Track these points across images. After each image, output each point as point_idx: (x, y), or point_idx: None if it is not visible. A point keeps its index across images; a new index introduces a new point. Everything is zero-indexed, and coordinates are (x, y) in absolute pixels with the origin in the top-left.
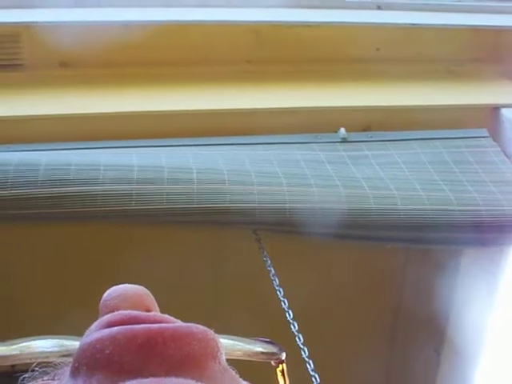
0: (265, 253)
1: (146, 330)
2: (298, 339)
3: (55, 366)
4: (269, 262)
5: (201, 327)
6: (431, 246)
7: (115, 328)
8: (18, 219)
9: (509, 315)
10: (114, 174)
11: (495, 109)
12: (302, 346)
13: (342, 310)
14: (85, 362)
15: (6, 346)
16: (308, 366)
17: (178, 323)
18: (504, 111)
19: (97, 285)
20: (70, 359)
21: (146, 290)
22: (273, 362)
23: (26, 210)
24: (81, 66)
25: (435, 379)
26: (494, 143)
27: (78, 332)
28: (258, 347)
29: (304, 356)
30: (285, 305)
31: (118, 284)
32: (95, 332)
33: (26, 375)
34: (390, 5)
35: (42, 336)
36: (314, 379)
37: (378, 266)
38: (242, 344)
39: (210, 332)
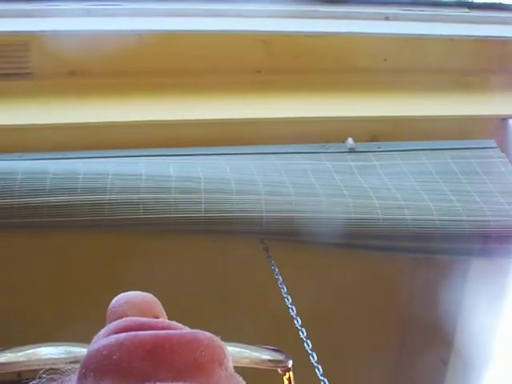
0: (272, 261)
1: (153, 337)
2: (306, 345)
3: (62, 372)
4: (276, 270)
5: (207, 334)
6: (438, 256)
7: (123, 334)
8: (25, 227)
9: None
10: (122, 182)
11: (503, 119)
12: (310, 352)
13: (350, 318)
14: (92, 367)
15: (12, 352)
16: (317, 371)
17: (185, 330)
18: None
19: (103, 292)
20: (77, 366)
21: (153, 297)
22: (279, 370)
23: (33, 219)
24: (89, 75)
25: None
26: (502, 154)
27: (84, 339)
28: (265, 355)
29: (313, 361)
30: (293, 312)
31: (125, 291)
32: (103, 338)
33: (33, 382)
34: (398, 16)
35: (49, 343)
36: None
37: (387, 274)
38: (248, 352)
39: (217, 339)
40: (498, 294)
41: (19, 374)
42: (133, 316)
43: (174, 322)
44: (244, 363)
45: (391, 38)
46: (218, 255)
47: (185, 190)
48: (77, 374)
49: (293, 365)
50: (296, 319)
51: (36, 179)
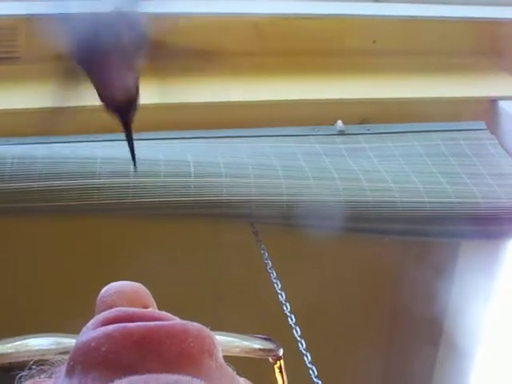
0: (262, 245)
1: (141, 328)
2: (295, 332)
3: (52, 363)
4: (266, 254)
5: (196, 325)
6: (429, 239)
7: (111, 326)
8: (15, 213)
9: (506, 311)
10: (111, 167)
11: (493, 101)
12: (299, 339)
13: (340, 308)
14: (80, 360)
15: (1, 344)
16: (305, 359)
17: (175, 321)
18: (502, 104)
19: (93, 281)
20: (67, 357)
21: (143, 286)
22: (270, 359)
23: (23, 204)
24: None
25: (432, 376)
26: (492, 136)
27: (75, 329)
28: (256, 344)
29: (301, 348)
30: (282, 298)
31: (114, 281)
32: (91, 330)
33: (23, 373)
34: None
35: (39, 334)
36: (311, 371)
37: (376, 263)
38: (239, 341)
39: (206, 329)
40: (488, 279)
41: (10, 362)
42: (122, 306)
43: (163, 313)
44: (234, 352)
45: (380, 19)
46: (209, 240)
47: (174, 173)
48: (65, 366)
49: (283, 353)
50: (285, 305)
51: (26, 164)
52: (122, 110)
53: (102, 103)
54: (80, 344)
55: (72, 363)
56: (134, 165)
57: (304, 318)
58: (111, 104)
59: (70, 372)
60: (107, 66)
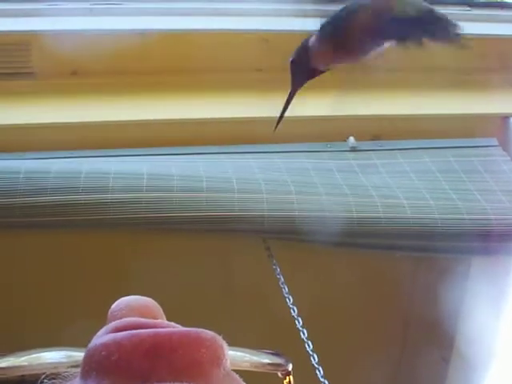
0: (274, 261)
1: (152, 335)
2: (307, 346)
3: (64, 377)
4: (278, 269)
5: (210, 333)
6: (440, 255)
7: (120, 333)
8: (28, 227)
9: None
10: (124, 182)
11: (504, 118)
12: (311, 353)
13: (351, 318)
14: (94, 366)
15: (14, 357)
16: (318, 373)
17: (188, 328)
18: None
19: (104, 294)
20: (78, 370)
21: (153, 301)
22: (280, 374)
23: (36, 218)
24: (91, 74)
25: None
26: (504, 152)
27: (86, 339)
28: (265, 358)
29: (314, 363)
30: (294, 312)
31: (125, 294)
32: (100, 337)
33: None
34: None
35: (52, 348)
36: None
37: (388, 273)
38: (249, 356)
39: (219, 338)
40: (499, 292)
41: (23, 375)
42: None
43: (173, 324)
44: (244, 367)
45: None
46: (220, 255)
47: (187, 188)
48: (80, 371)
49: (293, 368)
50: (297, 320)
51: (38, 178)
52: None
53: None
54: (90, 351)
55: (87, 368)
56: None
57: (316, 332)
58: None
59: (84, 376)
60: None
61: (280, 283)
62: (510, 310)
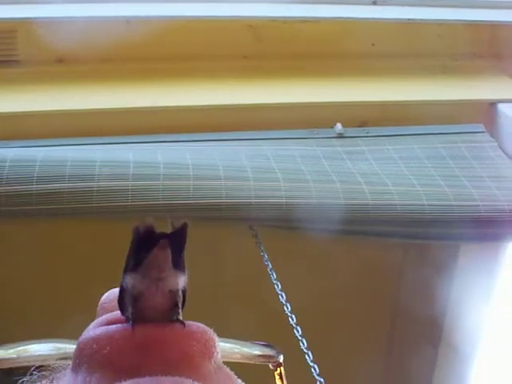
0: (261, 248)
1: (143, 329)
2: (296, 331)
3: (53, 369)
4: (266, 256)
5: (201, 326)
6: (428, 242)
7: (112, 326)
8: (14, 216)
9: (506, 313)
10: (110, 170)
11: (492, 104)
12: (300, 338)
13: (340, 309)
14: (85, 360)
15: (3, 349)
16: (307, 358)
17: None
18: (501, 106)
19: (93, 286)
20: (68, 362)
21: None
22: (271, 366)
23: (22, 207)
24: (77, 62)
25: (432, 377)
26: (491, 138)
27: (74, 333)
28: (256, 350)
29: (303, 347)
30: (283, 298)
31: (115, 285)
32: (92, 330)
33: (25, 379)
34: (386, 0)
35: (40, 340)
36: (313, 370)
37: (376, 265)
38: (239, 347)
39: (210, 331)
40: (488, 280)
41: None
42: None
43: None
44: (235, 358)
45: (379, 22)
46: (208, 242)
47: (173, 176)
48: (71, 364)
49: (284, 360)
50: (286, 306)
51: (24, 167)
52: None
53: None
54: (82, 343)
55: (78, 361)
56: None
57: (304, 319)
58: None
59: (75, 368)
60: None
61: (268, 270)
62: (499, 297)
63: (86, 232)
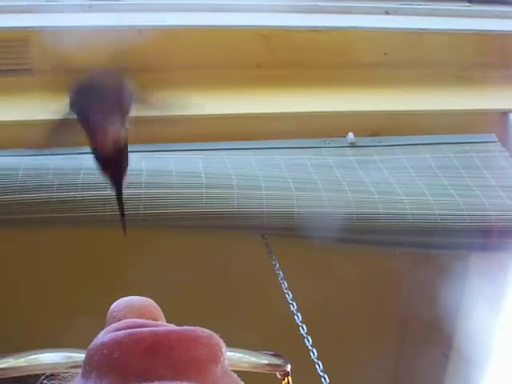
0: (273, 256)
1: (151, 334)
2: (306, 341)
3: (63, 378)
4: (277, 265)
5: (207, 331)
6: (439, 251)
7: (121, 332)
8: (27, 224)
9: None
10: None
11: (503, 114)
12: (310, 348)
13: (350, 317)
14: (95, 365)
15: (13, 358)
16: (317, 367)
17: (185, 326)
18: None
19: (103, 294)
20: (78, 371)
21: (152, 301)
22: (278, 375)
23: (35, 215)
24: (88, 71)
25: None
26: (503, 148)
27: (86, 343)
28: (264, 359)
29: (313, 357)
30: (293, 307)
31: (124, 294)
32: (101, 337)
33: None
34: (398, 10)
35: (51, 349)
36: (323, 380)
37: (387, 270)
38: (248, 356)
39: (216, 336)
40: (498, 289)
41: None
42: None
43: (172, 325)
44: (243, 367)
45: (391, 32)
46: (220, 251)
47: (186, 185)
48: (81, 370)
49: (292, 369)
50: (297, 315)
51: (37, 175)
52: (113, 165)
53: (94, 160)
54: (92, 350)
55: (88, 367)
56: (124, 230)
57: (315, 328)
58: (102, 155)
59: (85, 375)
60: (97, 117)
61: (279, 279)
62: (509, 306)
63: (98, 240)
